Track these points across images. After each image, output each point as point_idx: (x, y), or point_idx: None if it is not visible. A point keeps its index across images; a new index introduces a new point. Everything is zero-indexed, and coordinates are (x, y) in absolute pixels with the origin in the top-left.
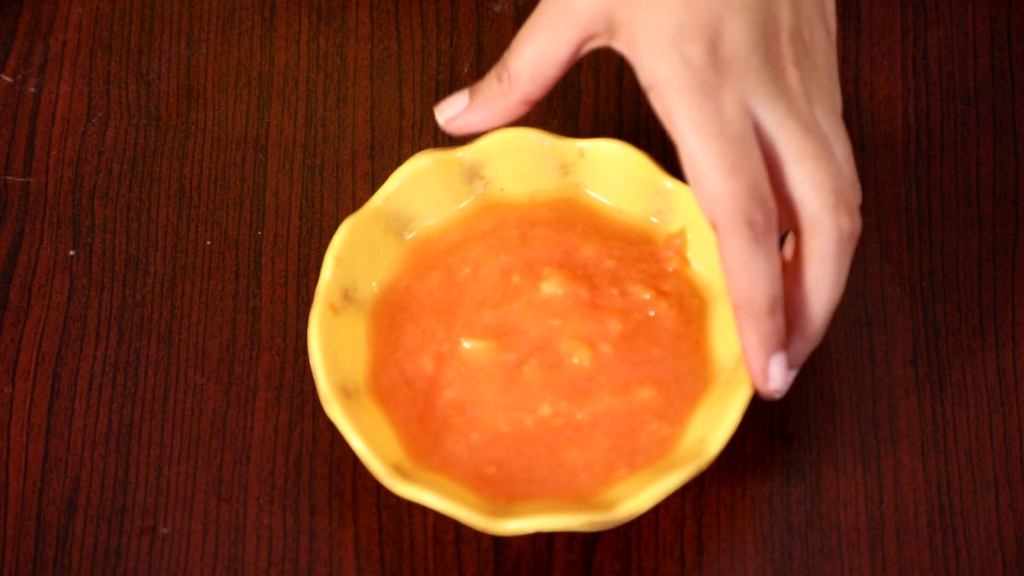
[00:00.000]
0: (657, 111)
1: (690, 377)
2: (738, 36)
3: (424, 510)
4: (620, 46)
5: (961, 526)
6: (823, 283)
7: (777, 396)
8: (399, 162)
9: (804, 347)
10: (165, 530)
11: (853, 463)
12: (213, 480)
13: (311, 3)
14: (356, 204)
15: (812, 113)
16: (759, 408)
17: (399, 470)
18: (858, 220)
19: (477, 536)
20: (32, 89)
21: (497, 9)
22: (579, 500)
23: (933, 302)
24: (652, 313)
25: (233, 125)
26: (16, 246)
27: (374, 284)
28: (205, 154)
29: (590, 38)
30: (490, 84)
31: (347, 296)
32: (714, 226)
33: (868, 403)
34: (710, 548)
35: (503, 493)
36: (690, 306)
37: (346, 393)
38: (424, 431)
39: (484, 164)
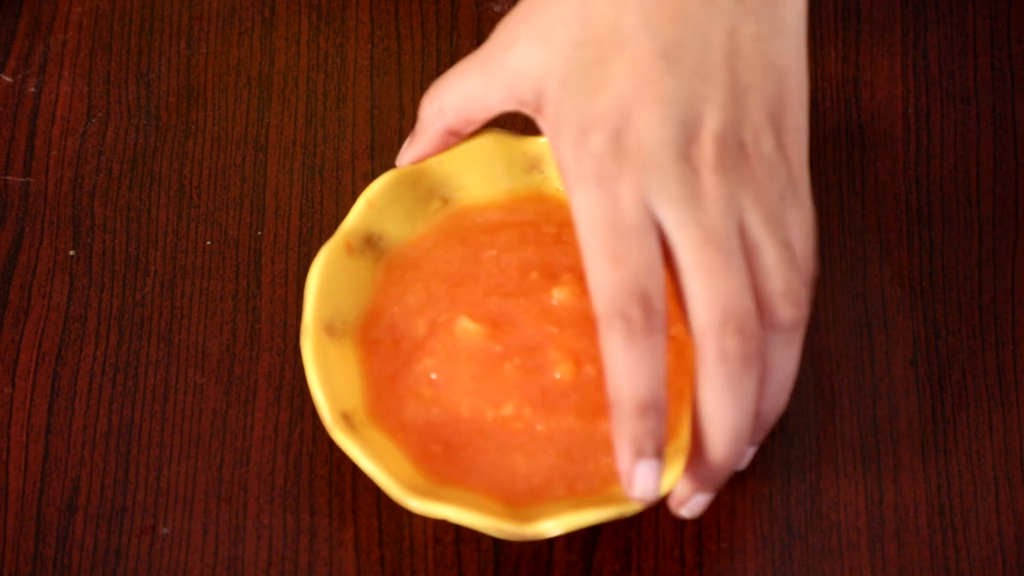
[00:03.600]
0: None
1: None
2: (647, 128)
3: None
4: (543, 124)
5: (961, 526)
6: (715, 406)
7: (647, 503)
8: None
9: (712, 473)
10: (165, 530)
11: (853, 463)
12: (213, 480)
13: (311, 3)
14: None
15: (725, 221)
16: None
17: (346, 419)
18: (752, 342)
19: (477, 536)
20: (32, 89)
21: (497, 9)
22: (505, 504)
23: (933, 302)
24: None
25: (233, 125)
26: (16, 246)
27: (400, 236)
28: (205, 154)
29: (519, 104)
30: (420, 120)
31: (369, 241)
32: (597, 319)
33: (868, 403)
34: (710, 548)
35: (439, 474)
36: (690, 358)
37: (330, 331)
38: (390, 390)
39: (547, 160)
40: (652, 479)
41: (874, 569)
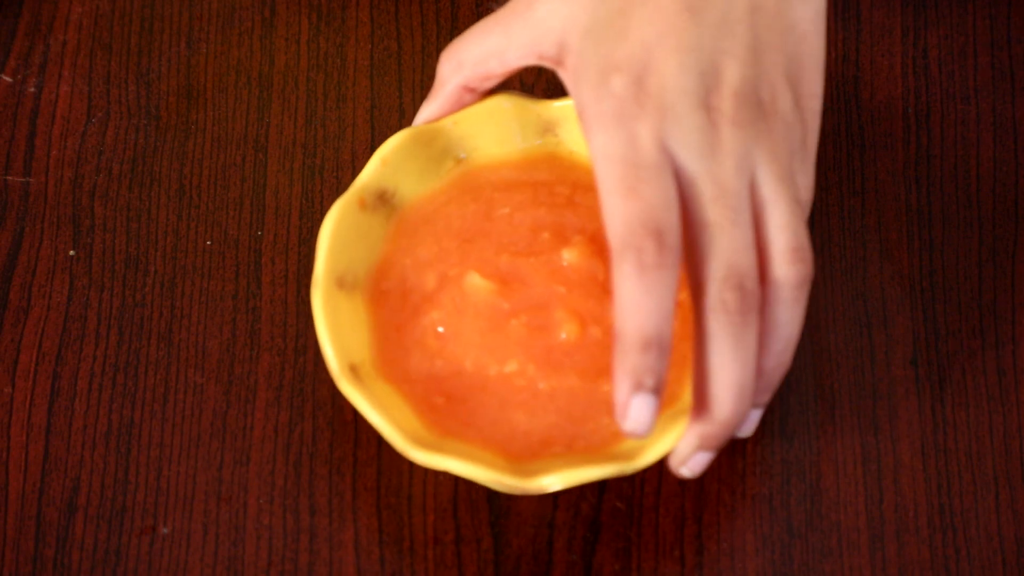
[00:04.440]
0: (585, 140)
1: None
2: (668, 75)
3: (424, 511)
4: (564, 76)
5: (961, 526)
6: (716, 359)
7: (638, 437)
8: None
9: (713, 429)
10: (165, 530)
11: (853, 463)
12: (213, 480)
13: (311, 3)
14: None
15: (737, 177)
16: None
17: (353, 371)
18: (750, 298)
19: (477, 536)
20: (32, 89)
21: (497, 9)
22: (505, 459)
23: (933, 302)
24: None
25: (233, 125)
26: (16, 246)
27: (413, 194)
28: (205, 154)
29: (539, 58)
30: (437, 78)
31: (383, 198)
32: (611, 250)
33: (868, 403)
34: (710, 548)
35: (441, 426)
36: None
37: (341, 284)
38: (397, 341)
39: (561, 123)
40: (646, 414)
41: (874, 569)
